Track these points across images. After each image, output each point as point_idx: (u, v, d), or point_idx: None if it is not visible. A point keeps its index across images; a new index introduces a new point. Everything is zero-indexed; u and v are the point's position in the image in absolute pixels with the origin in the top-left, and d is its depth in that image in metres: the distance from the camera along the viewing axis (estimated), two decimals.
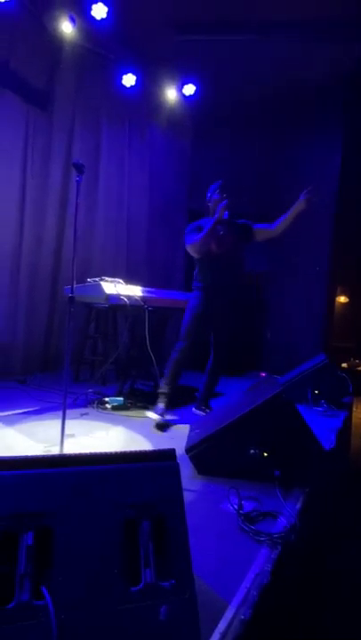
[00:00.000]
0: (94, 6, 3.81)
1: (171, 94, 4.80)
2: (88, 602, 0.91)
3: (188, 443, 2.11)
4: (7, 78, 3.80)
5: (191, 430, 2.45)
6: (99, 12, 3.83)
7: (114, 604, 0.90)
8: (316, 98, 4.78)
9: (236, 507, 1.65)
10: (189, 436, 2.22)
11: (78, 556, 0.94)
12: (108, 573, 0.94)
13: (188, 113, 5.03)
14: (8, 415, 2.82)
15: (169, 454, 1.05)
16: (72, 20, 3.82)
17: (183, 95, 4.77)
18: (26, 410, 2.98)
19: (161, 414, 2.85)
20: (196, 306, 2.96)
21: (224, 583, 1.27)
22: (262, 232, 3.00)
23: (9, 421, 2.69)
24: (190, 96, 4.76)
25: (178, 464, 1.07)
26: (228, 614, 1.12)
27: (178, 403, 3.36)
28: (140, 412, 3.11)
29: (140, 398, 3.34)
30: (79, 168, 2.08)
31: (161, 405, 2.93)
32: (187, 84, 4.70)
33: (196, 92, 4.73)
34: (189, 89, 4.71)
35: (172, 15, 4.10)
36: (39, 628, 0.85)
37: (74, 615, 0.89)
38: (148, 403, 3.25)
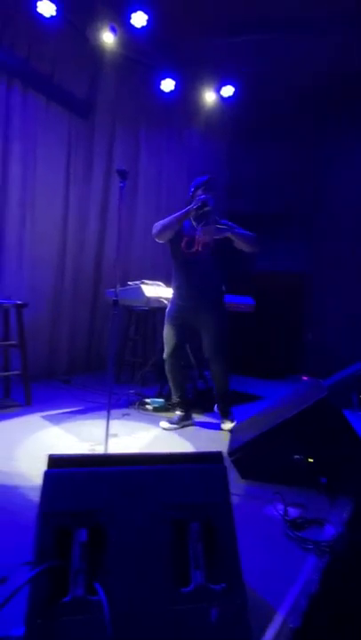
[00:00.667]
0: (134, 15, 3.88)
1: (209, 97, 4.80)
2: (140, 600, 0.93)
3: (230, 446, 2.10)
4: (52, 90, 3.95)
5: (233, 434, 2.44)
6: (138, 20, 3.89)
7: (165, 604, 0.92)
8: (358, 96, 4.62)
9: (281, 512, 1.63)
10: (231, 440, 2.21)
11: (129, 554, 0.96)
12: (159, 573, 0.95)
13: (226, 114, 5.01)
14: (54, 414, 2.92)
15: (217, 457, 1.05)
16: (113, 30, 3.91)
17: (221, 97, 4.76)
18: (71, 409, 3.07)
19: (176, 422, 2.77)
20: (169, 309, 2.83)
21: (271, 590, 1.25)
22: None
23: (55, 420, 2.79)
24: (229, 97, 4.74)
25: (225, 467, 1.07)
26: (277, 622, 1.10)
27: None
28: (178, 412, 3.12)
29: None
30: (123, 174, 2.13)
31: (177, 415, 2.83)
32: (225, 85, 4.69)
33: (234, 93, 4.71)
34: (228, 90, 4.70)
35: (212, 17, 4.10)
36: (94, 622, 0.88)
37: (126, 612, 0.91)
38: (189, 404, 3.26)
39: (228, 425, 2.76)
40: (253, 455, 1.93)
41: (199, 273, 2.69)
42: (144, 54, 4.40)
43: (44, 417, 2.84)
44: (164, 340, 2.82)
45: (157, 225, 2.68)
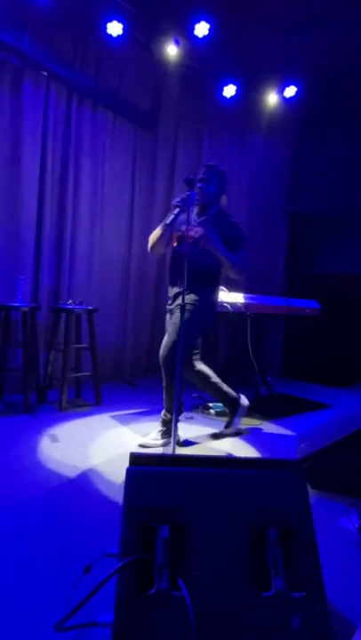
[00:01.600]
0: (197, 25, 3.96)
1: (271, 99, 4.76)
2: (220, 599, 0.95)
3: (298, 455, 2.06)
4: (119, 106, 4.14)
5: (300, 442, 2.38)
6: (201, 30, 3.97)
7: (246, 607, 0.93)
8: None
9: (357, 525, 1.57)
10: (299, 448, 2.16)
11: (209, 554, 0.99)
12: (238, 575, 0.97)
13: (288, 115, 4.93)
14: (122, 414, 3.05)
15: (295, 463, 1.04)
16: (176, 42, 4.02)
17: (284, 98, 4.69)
18: (137, 410, 3.18)
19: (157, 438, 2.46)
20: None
21: (350, 604, 1.22)
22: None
23: (124, 420, 2.91)
24: (291, 98, 4.67)
25: (304, 474, 1.06)
26: (359, 637, 1.07)
27: (284, 412, 3.29)
28: (244, 418, 3.10)
29: None
30: (190, 183, 2.19)
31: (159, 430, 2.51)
32: (288, 86, 4.62)
33: (297, 93, 4.62)
34: (290, 91, 4.62)
35: (273, 19, 4.07)
36: (177, 616, 0.91)
37: (207, 610, 0.94)
38: (252, 410, 3.24)
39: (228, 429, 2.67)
40: (325, 465, 1.88)
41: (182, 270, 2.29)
42: (206, 62, 4.46)
43: (113, 417, 2.97)
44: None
45: (149, 243, 2.49)
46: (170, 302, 2.55)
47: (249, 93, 4.71)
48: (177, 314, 2.34)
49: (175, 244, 2.46)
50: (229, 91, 4.52)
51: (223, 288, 3.45)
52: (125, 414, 3.06)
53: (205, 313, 2.49)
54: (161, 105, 4.49)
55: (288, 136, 5.23)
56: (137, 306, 4.47)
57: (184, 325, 2.13)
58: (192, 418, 3.08)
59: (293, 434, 2.79)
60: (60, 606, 1.19)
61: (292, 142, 5.27)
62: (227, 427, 2.71)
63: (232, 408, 2.70)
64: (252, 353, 3.42)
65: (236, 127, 4.98)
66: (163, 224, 2.39)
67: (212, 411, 3.19)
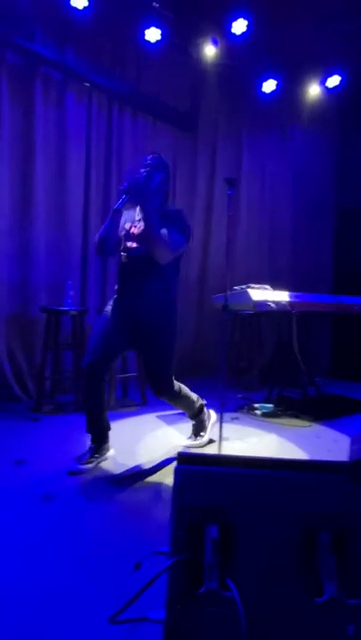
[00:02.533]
0: (235, 23, 3.93)
1: (313, 90, 4.62)
2: (270, 602, 0.94)
3: (350, 458, 1.98)
4: (158, 110, 4.20)
5: (352, 444, 2.29)
6: (239, 27, 3.93)
7: (297, 611, 0.91)
8: None
9: None
10: (352, 451, 2.08)
11: (258, 556, 0.98)
12: (289, 579, 0.95)
13: (333, 106, 4.77)
14: (168, 414, 3.08)
15: (348, 466, 1.01)
16: (214, 42, 4.02)
17: (327, 88, 4.54)
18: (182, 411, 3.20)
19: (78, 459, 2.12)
20: (104, 315, 2.21)
21: None
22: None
23: (169, 420, 2.95)
24: (335, 87, 4.50)
25: (357, 477, 1.02)
26: None
27: (334, 413, 3.18)
28: (291, 420, 3.04)
29: (290, 406, 3.26)
30: (231, 182, 2.18)
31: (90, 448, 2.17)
32: (331, 75, 4.46)
33: (341, 82, 4.46)
34: (334, 80, 4.47)
35: (314, 9, 3.95)
36: (228, 617, 0.91)
37: (257, 612, 0.93)
38: (299, 411, 3.16)
39: (196, 440, 2.42)
40: None
41: (136, 276, 2.12)
42: (244, 59, 4.42)
43: (158, 416, 3.02)
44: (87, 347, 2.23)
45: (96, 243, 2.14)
46: (120, 305, 2.20)
47: (289, 87, 4.60)
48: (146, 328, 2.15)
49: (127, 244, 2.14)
50: (269, 86, 4.44)
51: (267, 287, 3.40)
52: (170, 414, 3.09)
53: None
54: (200, 106, 4.50)
55: (333, 127, 5.05)
56: (181, 306, 4.49)
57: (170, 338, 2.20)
58: (237, 418, 3.06)
59: (345, 436, 2.69)
60: (112, 601, 1.22)
61: (338, 134, 5.09)
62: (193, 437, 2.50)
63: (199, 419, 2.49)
64: (299, 353, 3.33)
65: (277, 122, 4.89)
66: (105, 224, 2.08)
67: (258, 411, 3.15)
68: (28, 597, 1.24)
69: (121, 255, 2.15)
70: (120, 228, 2.14)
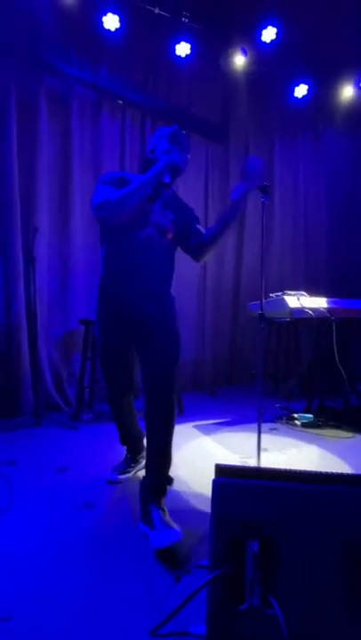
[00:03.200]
0: (264, 31, 3.93)
1: (346, 92, 4.53)
2: (314, 620, 0.90)
3: None
4: (189, 122, 4.25)
5: None
6: (268, 35, 3.93)
7: (343, 630, 0.87)
8: None
9: None
10: None
11: (302, 572, 0.95)
12: (334, 596, 0.92)
13: None
14: (205, 424, 3.06)
15: None
16: (244, 51, 4.04)
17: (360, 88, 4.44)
18: (219, 420, 3.18)
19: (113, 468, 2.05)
20: (99, 321, 1.86)
21: None
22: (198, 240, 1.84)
23: (206, 430, 2.93)
24: None
25: None
26: None
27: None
28: (333, 430, 2.94)
29: (331, 416, 3.16)
30: (265, 190, 2.16)
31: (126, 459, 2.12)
32: None
33: None
34: None
35: (344, 9, 3.89)
36: (270, 634, 0.89)
37: (301, 630, 0.89)
38: (341, 422, 3.05)
39: (166, 515, 1.62)
40: None
41: (149, 269, 1.76)
42: (274, 66, 4.40)
43: (195, 426, 3.01)
44: (102, 371, 2.00)
45: (110, 206, 1.60)
46: (121, 298, 1.80)
47: (321, 90, 4.54)
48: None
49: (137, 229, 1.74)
50: (301, 90, 4.40)
51: (304, 293, 3.33)
52: (207, 424, 3.07)
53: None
54: (231, 115, 4.52)
55: None
56: (214, 319, 4.49)
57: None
58: (276, 429, 2.99)
59: None
60: (153, 613, 1.22)
61: None
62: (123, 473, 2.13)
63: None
64: (339, 360, 3.22)
65: (310, 126, 4.84)
66: (148, 178, 1.61)
67: (297, 422, 3.07)
68: (69, 606, 1.26)
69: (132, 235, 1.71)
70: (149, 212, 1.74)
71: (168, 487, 1.73)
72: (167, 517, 1.61)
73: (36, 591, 1.31)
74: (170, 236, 1.80)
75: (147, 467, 1.72)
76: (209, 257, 1.97)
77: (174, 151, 1.70)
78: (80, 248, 3.56)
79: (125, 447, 2.18)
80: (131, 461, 2.15)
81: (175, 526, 1.57)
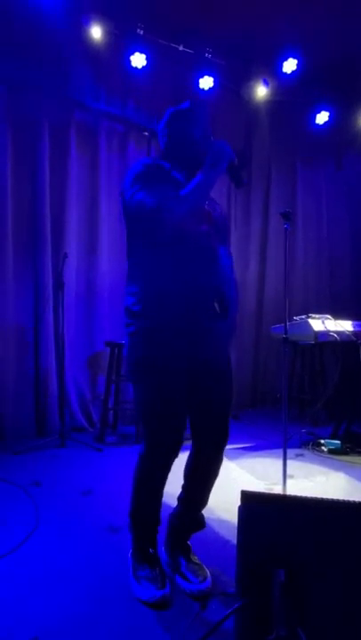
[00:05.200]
0: (285, 63, 4.07)
1: None
2: None
3: None
4: None
5: None
6: (289, 66, 4.06)
7: None
8: None
9: None
10: None
11: (330, 604, 0.93)
12: None
13: None
14: (228, 449, 3.00)
15: None
16: (265, 82, 4.18)
17: None
18: (243, 445, 3.14)
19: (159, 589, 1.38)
20: (149, 364, 1.38)
21: None
22: None
23: (229, 455, 2.89)
24: None
25: None
26: None
27: None
28: (356, 458, 2.85)
29: (358, 443, 3.07)
30: (287, 216, 2.20)
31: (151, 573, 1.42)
32: None
33: None
34: None
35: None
36: None
37: None
38: None
39: (204, 572, 1.45)
40: None
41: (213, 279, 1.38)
42: (295, 94, 4.53)
43: None
44: (146, 427, 1.46)
45: (178, 210, 1.26)
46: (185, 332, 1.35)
47: (343, 116, 4.61)
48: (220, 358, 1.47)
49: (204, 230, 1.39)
50: (322, 117, 4.49)
51: (328, 316, 3.30)
52: (231, 449, 3.04)
53: None
54: (253, 142, 4.64)
55: None
56: (238, 341, 4.49)
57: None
58: (302, 455, 2.93)
59: None
60: None
61: None
62: None
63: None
64: None
65: (332, 153, 4.90)
66: (213, 176, 1.32)
67: (324, 448, 3.00)
68: (94, 631, 1.26)
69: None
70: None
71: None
72: (195, 559, 1.50)
73: (62, 613, 1.32)
74: (227, 243, 1.47)
75: (187, 516, 1.55)
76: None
77: (216, 141, 1.36)
78: (106, 273, 3.67)
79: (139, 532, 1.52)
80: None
81: (205, 572, 1.46)
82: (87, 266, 3.62)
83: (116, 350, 3.33)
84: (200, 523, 1.58)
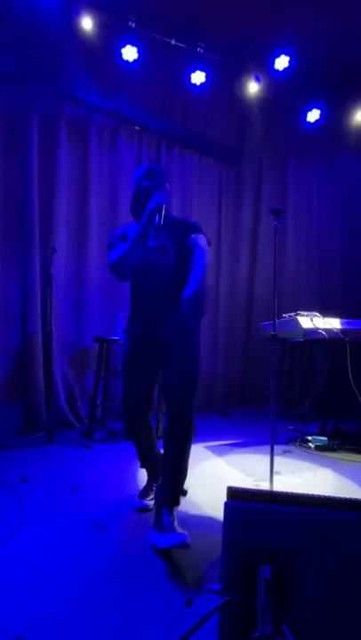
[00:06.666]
0: (277, 60, 4.06)
1: (359, 116, 4.60)
2: None
3: None
4: (204, 145, 4.38)
5: None
6: (281, 63, 4.05)
7: None
8: None
9: None
10: None
11: (316, 601, 0.93)
12: (350, 625, 0.90)
13: None
14: (216, 445, 3.04)
15: None
16: (257, 79, 4.17)
17: None
18: (231, 442, 3.15)
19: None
20: (129, 345, 1.94)
21: None
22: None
23: (218, 451, 2.90)
24: None
25: None
26: None
27: None
28: (348, 454, 2.88)
29: (345, 439, 3.10)
30: (277, 213, 2.20)
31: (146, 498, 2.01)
32: None
33: None
34: None
35: (353, 35, 3.99)
36: None
37: None
38: (357, 445, 3.00)
39: (175, 522, 1.68)
40: None
41: (162, 293, 1.87)
42: (287, 92, 4.52)
43: (207, 447, 2.98)
44: (124, 397, 2.01)
45: (115, 267, 1.83)
46: (145, 327, 1.92)
47: (334, 115, 4.63)
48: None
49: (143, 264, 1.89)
50: (313, 115, 4.50)
51: (317, 314, 3.32)
52: (219, 445, 3.05)
53: None
54: (245, 139, 4.63)
55: None
56: (227, 337, 4.50)
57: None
58: (290, 451, 2.95)
59: None
60: (164, 638, 1.20)
61: None
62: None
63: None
64: (354, 382, 3.18)
65: (323, 150, 4.91)
66: (136, 237, 1.77)
67: (311, 444, 3.02)
68: (80, 628, 1.25)
69: (142, 270, 1.87)
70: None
71: (182, 499, 1.80)
72: (176, 524, 1.66)
73: (48, 611, 1.31)
74: (171, 254, 1.87)
75: (163, 477, 1.79)
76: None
77: (154, 193, 1.81)
78: (95, 268, 3.63)
79: (147, 472, 2.12)
80: (152, 490, 2.06)
81: (183, 531, 1.61)
82: (77, 261, 3.59)
83: (105, 346, 3.31)
84: (180, 489, 1.82)
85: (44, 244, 3.33)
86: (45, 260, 3.22)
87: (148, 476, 2.13)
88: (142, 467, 2.12)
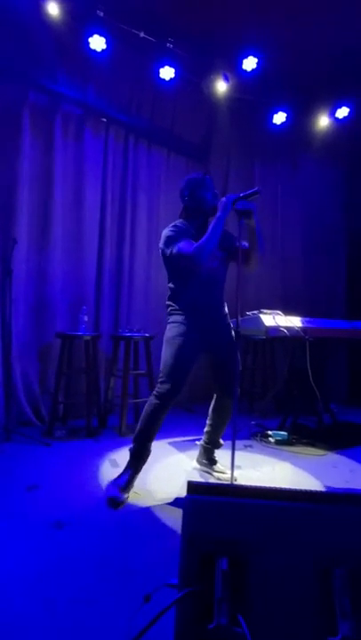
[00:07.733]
0: (245, 60, 4.11)
1: (322, 121, 4.75)
2: (282, 639, 0.91)
3: None
4: (172, 142, 4.36)
5: None
6: (249, 64, 4.11)
7: None
8: None
9: None
10: None
11: (271, 591, 0.95)
12: (302, 616, 0.92)
13: (342, 136, 4.88)
14: (180, 441, 3.05)
15: None
16: (226, 78, 4.20)
17: (336, 119, 4.66)
18: (195, 437, 3.16)
19: (121, 488, 2.06)
20: (177, 334, 2.24)
21: None
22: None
23: (181, 447, 2.91)
24: (344, 118, 4.62)
25: None
26: None
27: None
28: (306, 448, 2.98)
29: (304, 434, 3.20)
30: (242, 212, 2.22)
31: (123, 478, 2.11)
32: (340, 107, 4.59)
33: (350, 113, 4.58)
34: (343, 112, 4.59)
35: (323, 42, 4.10)
36: None
37: None
38: (315, 440, 3.10)
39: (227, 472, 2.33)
40: None
41: (215, 289, 2.39)
42: (254, 93, 4.59)
43: (170, 443, 2.99)
44: (168, 372, 2.23)
45: (197, 256, 2.08)
46: (199, 317, 2.31)
47: (299, 118, 4.75)
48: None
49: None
50: (279, 118, 4.59)
51: (279, 312, 3.40)
52: (182, 441, 3.06)
53: None
54: (212, 137, 4.66)
55: (343, 157, 5.15)
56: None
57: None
58: (250, 446, 3.01)
59: None
60: (121, 634, 1.19)
61: (347, 163, 5.18)
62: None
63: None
64: (314, 379, 3.29)
65: (288, 153, 5.02)
66: (218, 226, 2.15)
67: (271, 439, 3.10)
68: (35, 628, 1.22)
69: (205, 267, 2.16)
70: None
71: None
72: None
73: (6, 613, 1.26)
74: (218, 260, 2.31)
75: (220, 432, 2.56)
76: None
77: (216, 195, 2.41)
78: (59, 262, 3.54)
79: (131, 463, 2.17)
80: (133, 480, 2.14)
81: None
82: (39, 253, 3.48)
83: (68, 342, 3.24)
84: (219, 443, 2.55)
85: (4, 235, 3.21)
86: (5, 252, 3.10)
87: (137, 469, 2.16)
88: (140, 460, 2.17)
